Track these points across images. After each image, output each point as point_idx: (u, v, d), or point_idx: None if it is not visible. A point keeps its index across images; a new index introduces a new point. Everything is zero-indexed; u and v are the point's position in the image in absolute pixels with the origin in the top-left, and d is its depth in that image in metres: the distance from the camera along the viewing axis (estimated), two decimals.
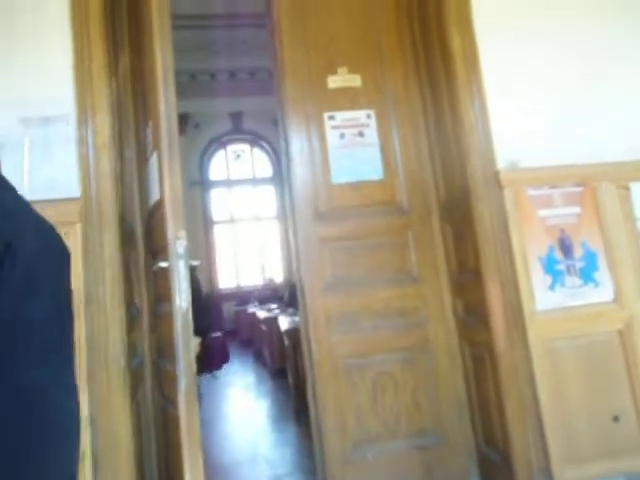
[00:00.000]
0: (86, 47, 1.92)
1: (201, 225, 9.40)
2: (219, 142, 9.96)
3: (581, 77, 2.28)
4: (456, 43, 2.24)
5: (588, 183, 2.17)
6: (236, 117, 9.71)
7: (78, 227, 1.76)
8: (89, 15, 1.95)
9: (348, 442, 2.26)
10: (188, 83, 8.35)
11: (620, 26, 2.37)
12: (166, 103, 1.69)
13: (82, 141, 1.85)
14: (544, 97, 2.24)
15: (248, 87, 8.39)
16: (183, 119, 8.82)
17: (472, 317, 2.28)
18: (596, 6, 2.37)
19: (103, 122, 1.88)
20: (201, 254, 8.38)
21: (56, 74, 1.90)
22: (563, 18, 2.33)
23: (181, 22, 6.41)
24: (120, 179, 2.07)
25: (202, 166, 9.76)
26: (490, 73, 2.21)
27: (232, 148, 10.33)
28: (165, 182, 1.65)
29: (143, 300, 2.21)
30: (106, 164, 1.86)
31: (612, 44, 2.34)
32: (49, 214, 1.76)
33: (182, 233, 1.63)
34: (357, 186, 2.49)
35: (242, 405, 4.51)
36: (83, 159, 1.84)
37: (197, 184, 9.45)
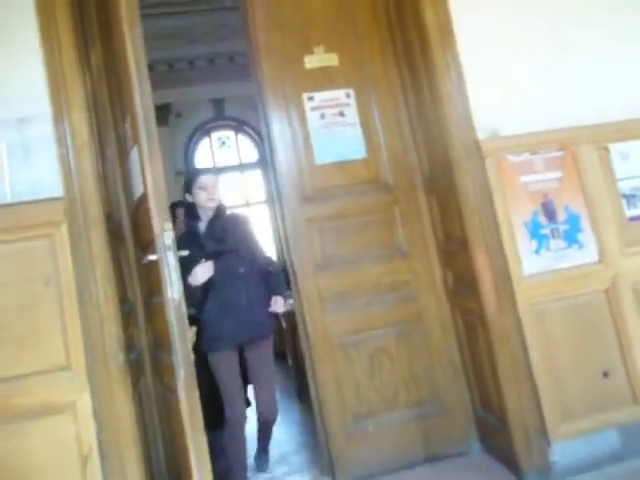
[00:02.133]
0: (55, 40, 1.87)
1: None
2: (203, 130, 9.83)
3: (556, 42, 2.28)
4: (429, 14, 2.23)
5: (568, 147, 2.19)
6: (218, 104, 9.59)
7: (64, 226, 1.76)
8: (55, 6, 1.91)
9: (348, 417, 2.32)
10: (167, 72, 8.21)
11: None
12: (142, 96, 1.67)
13: (60, 141, 1.83)
14: (520, 64, 2.24)
15: (228, 72, 8.27)
16: (164, 109, 8.70)
17: (462, 286, 2.32)
18: None
19: (80, 120, 1.87)
20: None
21: (28, 72, 1.87)
22: None
23: (155, 10, 6.28)
24: (103, 176, 2.07)
25: (187, 155, 9.66)
26: (465, 43, 2.20)
27: (216, 135, 10.22)
28: (147, 175, 1.65)
29: (137, 294, 2.23)
30: (87, 162, 1.85)
31: (587, 10, 2.34)
32: (34, 215, 1.78)
33: (168, 225, 1.64)
34: (341, 166, 2.50)
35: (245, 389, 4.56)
36: (63, 159, 1.82)
37: (183, 174, 9.37)
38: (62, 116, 1.84)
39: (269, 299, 2.34)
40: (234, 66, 8.14)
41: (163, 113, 8.62)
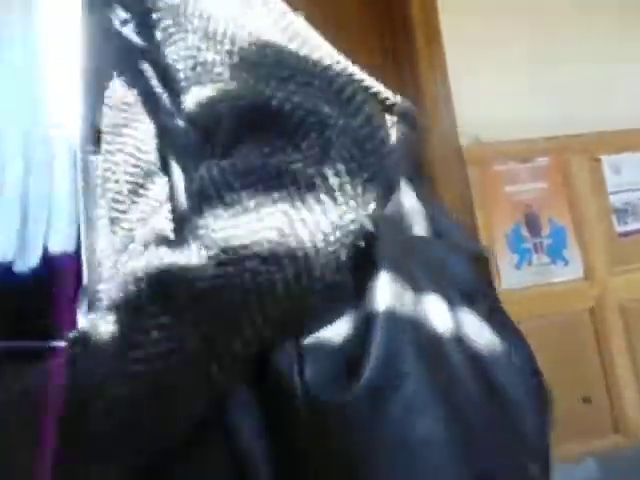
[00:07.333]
0: None
1: None
2: None
3: (547, 47, 2.17)
4: (417, 16, 2.16)
5: (556, 156, 2.08)
6: None
7: None
8: None
9: None
10: None
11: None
12: None
13: None
14: (508, 70, 2.14)
15: None
16: None
17: None
18: None
19: None
20: None
21: None
22: None
23: None
24: None
25: None
26: (453, 46, 2.11)
27: None
28: None
29: None
30: None
31: (577, 14, 2.24)
32: None
33: None
34: None
35: None
36: None
37: None
38: None
39: None
40: None
41: None
